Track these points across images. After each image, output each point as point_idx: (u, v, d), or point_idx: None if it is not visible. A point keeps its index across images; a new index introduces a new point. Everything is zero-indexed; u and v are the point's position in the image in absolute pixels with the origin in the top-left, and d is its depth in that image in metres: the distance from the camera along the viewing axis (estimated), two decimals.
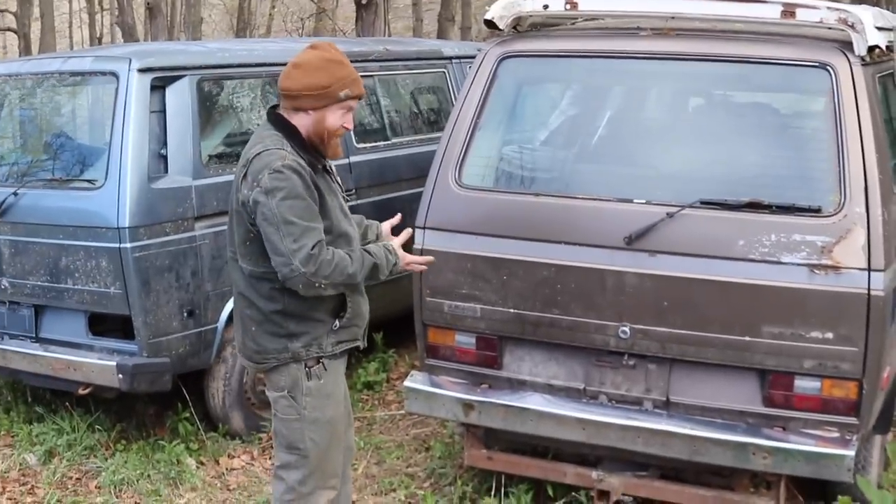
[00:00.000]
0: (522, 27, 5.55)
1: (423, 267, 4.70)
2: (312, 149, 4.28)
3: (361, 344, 4.61)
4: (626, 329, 4.89)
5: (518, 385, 5.22)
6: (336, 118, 4.26)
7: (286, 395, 4.35)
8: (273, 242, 4.10)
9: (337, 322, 4.37)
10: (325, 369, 4.37)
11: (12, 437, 6.95)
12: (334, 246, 4.22)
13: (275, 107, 4.38)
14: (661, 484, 5.11)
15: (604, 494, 5.16)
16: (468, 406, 5.20)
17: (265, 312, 4.30)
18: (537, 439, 5.27)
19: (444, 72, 8.61)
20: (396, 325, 7.74)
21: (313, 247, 4.10)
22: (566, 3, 5.28)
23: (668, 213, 4.80)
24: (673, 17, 5.18)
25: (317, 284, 4.14)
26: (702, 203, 4.80)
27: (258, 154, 4.15)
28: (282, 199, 4.07)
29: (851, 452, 4.56)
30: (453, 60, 8.70)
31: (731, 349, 4.74)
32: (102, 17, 36.16)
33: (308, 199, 4.13)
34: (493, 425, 5.24)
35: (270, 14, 33.49)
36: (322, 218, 4.19)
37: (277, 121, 4.29)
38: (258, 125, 4.43)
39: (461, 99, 5.43)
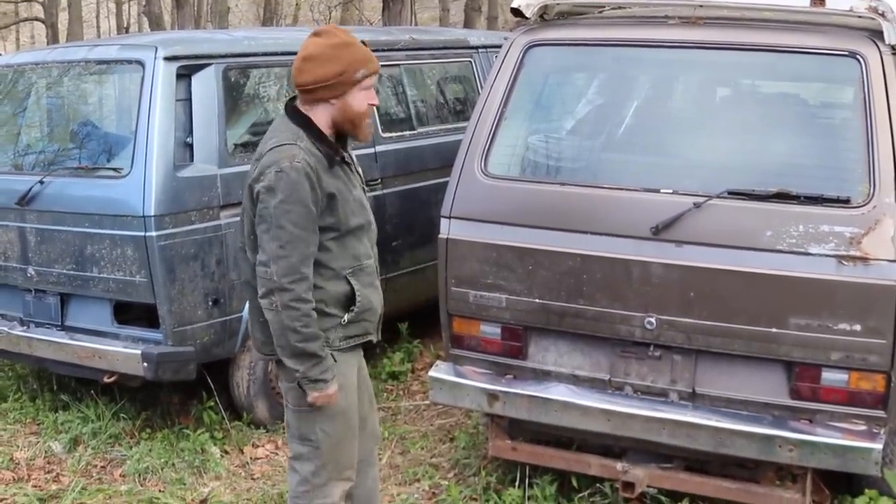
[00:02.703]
0: (549, 16, 5.51)
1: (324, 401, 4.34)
2: (336, 138, 4.25)
3: (374, 338, 4.52)
4: (652, 320, 4.86)
5: (543, 375, 5.20)
6: (360, 100, 4.22)
7: (296, 387, 4.29)
8: (262, 240, 4.09)
9: (346, 316, 4.30)
10: (335, 361, 4.29)
11: (38, 424, 6.98)
12: (344, 242, 4.21)
13: (293, 99, 4.32)
14: (686, 476, 5.08)
15: (629, 486, 5.11)
16: (493, 396, 5.18)
17: None
18: (562, 430, 5.24)
19: (470, 61, 8.59)
20: (422, 315, 7.74)
21: (301, 262, 4.06)
22: None
23: (695, 204, 4.75)
24: (701, 6, 5.13)
25: (273, 300, 4.06)
26: (729, 193, 4.76)
27: (271, 149, 4.11)
28: (281, 200, 4.02)
29: (879, 446, 4.53)
30: (479, 50, 8.68)
31: (758, 341, 4.70)
32: (129, 6, 36.31)
33: (310, 204, 4.06)
34: (517, 416, 5.22)
35: (297, 3, 33.55)
36: (328, 215, 4.14)
37: (294, 114, 4.24)
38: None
39: (487, 88, 5.40)
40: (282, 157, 4.05)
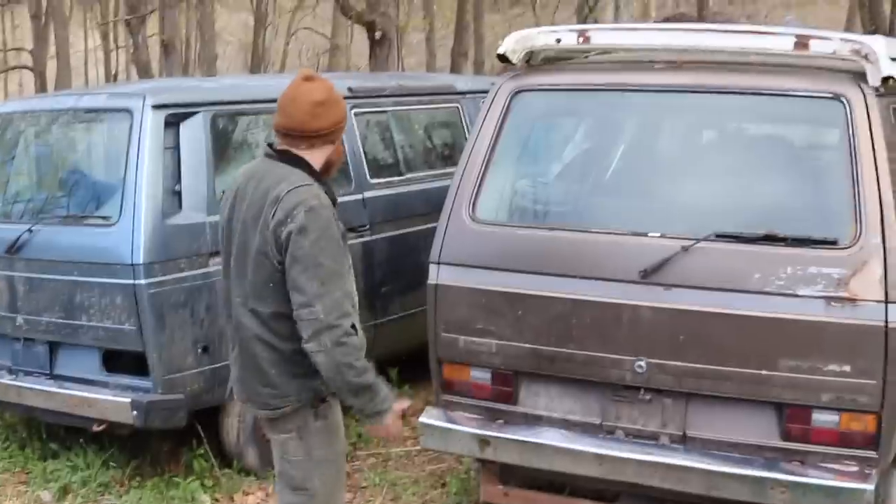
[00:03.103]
0: (535, 61, 5.54)
1: (397, 433, 4.45)
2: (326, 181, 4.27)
3: None
4: (643, 363, 4.86)
5: (534, 420, 5.19)
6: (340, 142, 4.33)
7: (295, 437, 4.28)
8: (298, 282, 3.99)
9: None
10: (331, 406, 4.32)
11: (27, 473, 6.94)
12: (349, 282, 4.20)
13: (270, 145, 4.31)
14: None
15: None
16: (484, 441, 5.17)
17: (286, 353, 4.18)
18: (554, 475, 5.23)
19: (457, 106, 8.62)
20: (411, 360, 7.72)
21: (343, 298, 4.04)
22: (578, 36, 5.28)
23: (682, 247, 4.77)
24: (686, 50, 5.18)
25: (322, 340, 3.99)
26: (717, 236, 4.78)
27: (290, 191, 4.05)
28: (315, 238, 3.99)
29: (871, 486, 4.51)
30: (467, 95, 8.71)
31: (748, 383, 4.69)
32: (117, 54, 36.41)
33: (340, 241, 4.10)
34: (509, 461, 5.20)
35: (285, 50, 33.66)
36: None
37: (290, 158, 4.20)
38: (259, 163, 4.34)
39: (475, 133, 5.42)
40: (307, 197, 4.04)
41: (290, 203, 4.02)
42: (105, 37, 34.95)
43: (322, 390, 4.26)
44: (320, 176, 4.23)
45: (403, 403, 4.33)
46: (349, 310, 4.06)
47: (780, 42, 4.91)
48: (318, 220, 4.01)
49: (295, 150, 4.21)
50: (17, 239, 6.55)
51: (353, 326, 4.07)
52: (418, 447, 6.70)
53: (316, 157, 4.23)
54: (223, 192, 4.59)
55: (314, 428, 4.32)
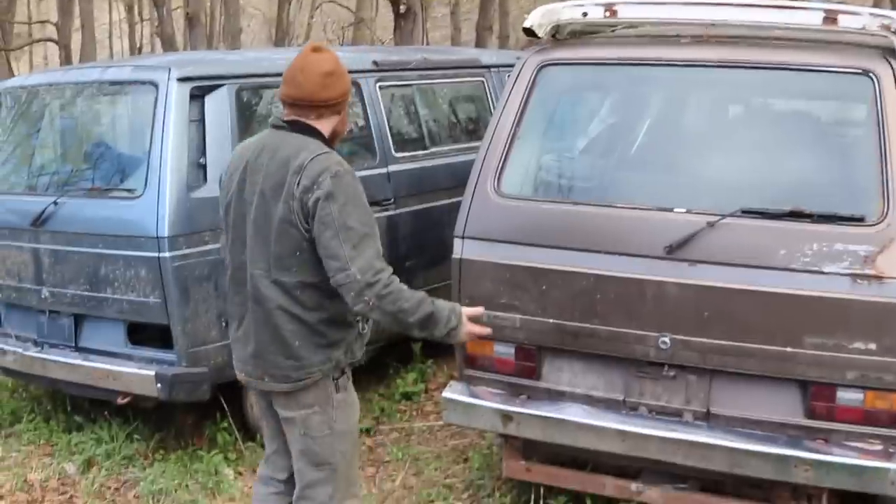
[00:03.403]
0: (561, 35, 5.51)
1: (485, 332, 4.50)
2: None
3: None
4: (667, 339, 4.84)
5: (557, 396, 5.18)
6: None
7: (318, 411, 4.30)
8: (331, 248, 4.02)
9: (364, 325, 4.39)
10: (349, 378, 4.37)
11: (52, 446, 6.98)
12: None
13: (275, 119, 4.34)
14: (701, 497, 5.05)
15: None
16: (507, 417, 5.16)
17: (310, 324, 4.20)
18: (576, 451, 5.23)
19: (482, 80, 8.60)
20: None
21: (375, 257, 4.07)
22: (605, 10, 5.24)
23: (708, 223, 4.74)
24: (713, 25, 5.14)
25: (366, 299, 4.03)
26: (743, 212, 4.75)
27: (313, 158, 4.08)
28: (343, 203, 4.02)
29: (895, 465, 4.50)
30: (492, 69, 8.69)
31: (773, 360, 4.67)
32: (142, 27, 36.42)
33: (366, 203, 4.13)
34: (531, 436, 5.20)
35: (309, 23, 33.60)
36: None
37: (304, 128, 4.23)
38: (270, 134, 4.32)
39: (500, 107, 5.40)
40: (330, 164, 4.07)
41: (314, 170, 4.05)
42: (130, 10, 34.95)
43: (342, 361, 4.30)
44: (331, 145, 4.27)
45: (473, 310, 4.45)
46: (383, 265, 4.10)
47: (808, 17, 4.87)
48: (343, 185, 4.05)
49: (305, 120, 4.24)
50: (43, 211, 6.58)
51: (391, 275, 4.12)
52: (440, 422, 6.72)
53: (325, 127, 4.26)
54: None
55: (336, 400, 4.34)
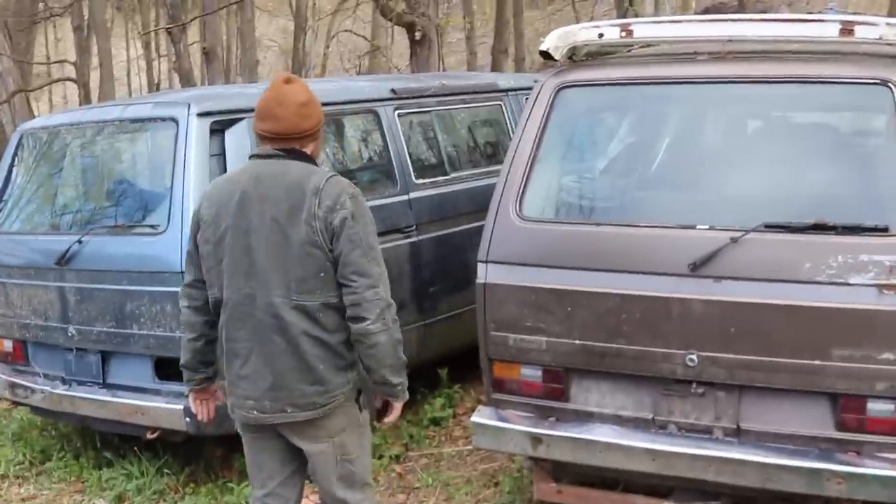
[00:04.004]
0: (578, 57, 5.52)
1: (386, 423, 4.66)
2: None
3: None
4: (694, 357, 4.83)
5: (586, 417, 5.17)
6: None
7: (349, 433, 4.34)
8: (361, 265, 4.11)
9: None
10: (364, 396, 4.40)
11: (82, 482, 7.01)
12: None
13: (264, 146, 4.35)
14: None
15: None
16: (536, 440, 5.16)
17: (332, 346, 4.22)
18: (607, 471, 5.21)
19: (500, 104, 8.61)
20: (461, 360, 7.72)
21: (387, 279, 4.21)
22: (621, 30, 5.25)
23: (731, 238, 4.73)
24: (729, 41, 5.14)
25: (385, 319, 4.14)
26: (766, 227, 4.74)
27: (327, 180, 4.15)
28: (365, 223, 4.15)
29: None
30: (509, 93, 8.70)
31: (801, 374, 4.65)
32: (159, 63, 36.57)
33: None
34: (561, 458, 5.19)
35: (325, 53, 33.70)
36: None
37: (300, 155, 4.28)
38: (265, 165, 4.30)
39: (519, 131, 5.41)
40: (345, 185, 4.18)
41: (333, 191, 4.12)
42: (147, 46, 35.09)
43: (358, 381, 4.35)
44: None
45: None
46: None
47: (824, 29, 4.87)
48: (361, 206, 4.16)
49: (298, 147, 4.29)
50: (67, 250, 6.61)
51: None
52: (470, 447, 6.72)
53: (313, 154, 4.36)
54: (201, 204, 4.43)
55: (362, 419, 4.41)
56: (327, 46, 33.39)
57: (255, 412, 4.31)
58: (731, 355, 4.76)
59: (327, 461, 4.37)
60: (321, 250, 4.12)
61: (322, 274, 4.15)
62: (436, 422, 7.52)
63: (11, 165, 7.40)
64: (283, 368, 4.22)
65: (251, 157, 4.37)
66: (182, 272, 5.93)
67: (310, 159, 4.30)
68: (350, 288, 4.12)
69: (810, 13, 5.65)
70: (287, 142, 4.24)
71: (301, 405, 4.26)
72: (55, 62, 31.92)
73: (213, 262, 4.30)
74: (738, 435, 4.85)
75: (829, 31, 4.85)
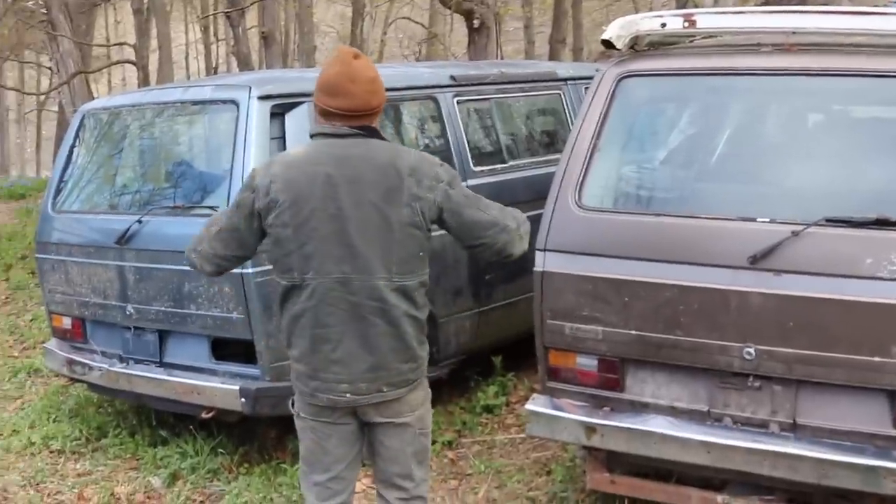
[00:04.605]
0: (640, 46, 5.50)
1: None
2: None
3: None
4: (751, 350, 4.81)
5: (641, 407, 5.16)
6: None
7: (426, 407, 4.41)
8: (479, 219, 4.21)
9: None
10: None
11: (137, 459, 7.07)
12: None
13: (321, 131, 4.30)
14: None
15: None
16: (591, 429, 5.16)
17: (421, 322, 4.27)
18: (661, 462, 5.20)
19: (559, 93, 8.58)
20: (515, 348, 7.72)
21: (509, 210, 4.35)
22: (684, 21, 5.22)
23: (792, 232, 4.70)
24: (794, 33, 5.10)
25: (521, 234, 4.33)
26: (827, 221, 4.69)
27: (417, 157, 4.22)
28: (459, 183, 4.26)
29: None
30: (568, 82, 8.67)
31: (859, 370, 4.62)
32: (218, 46, 36.79)
33: None
34: (616, 448, 5.19)
35: (382, 40, 33.75)
36: None
37: (376, 133, 4.25)
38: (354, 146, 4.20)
39: (580, 119, 5.40)
40: (431, 158, 4.28)
41: (426, 166, 4.18)
42: (205, 30, 35.29)
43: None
44: None
45: None
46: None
47: (889, 22, 4.83)
48: (450, 170, 4.27)
49: (371, 125, 4.24)
50: (127, 230, 6.69)
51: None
52: (522, 435, 6.72)
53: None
54: (270, 183, 4.19)
55: (428, 393, 4.48)
56: (384, 33, 33.48)
57: (348, 395, 4.25)
58: (788, 349, 4.73)
59: (407, 436, 4.38)
60: (420, 230, 4.14)
61: (421, 253, 4.19)
62: (489, 409, 7.53)
63: (73, 145, 7.48)
64: (384, 349, 4.21)
65: (320, 135, 4.25)
66: None
67: (381, 137, 4.26)
68: (485, 244, 4.25)
69: (875, 6, 5.58)
70: (358, 119, 4.17)
71: (396, 383, 4.26)
72: (115, 45, 32.22)
73: (293, 246, 4.17)
74: (795, 430, 4.82)
75: (893, 24, 4.81)
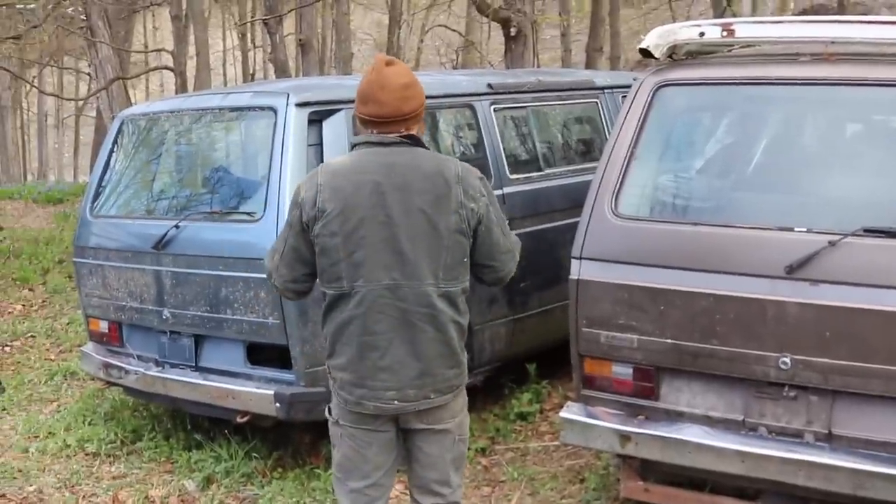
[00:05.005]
0: (678, 55, 5.49)
1: None
2: None
3: None
4: (787, 360, 4.79)
5: (676, 416, 5.15)
6: None
7: (465, 413, 4.42)
8: (500, 243, 4.30)
9: None
10: None
11: (172, 463, 7.10)
12: None
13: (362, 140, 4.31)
14: None
15: None
16: (625, 437, 5.15)
17: (464, 328, 4.29)
18: (695, 472, 5.19)
19: (596, 102, 8.57)
20: (549, 356, 7.72)
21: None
22: (722, 30, 5.22)
23: (829, 242, 4.69)
24: (832, 42, 5.08)
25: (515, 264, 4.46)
26: (865, 231, 4.68)
27: (463, 166, 4.25)
28: (494, 201, 4.30)
29: None
30: (605, 90, 8.66)
31: None
32: (255, 53, 36.94)
33: None
34: (650, 457, 5.18)
35: (419, 47, 33.82)
36: None
37: (418, 141, 4.25)
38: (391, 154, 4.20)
39: (617, 128, 5.40)
40: (474, 169, 4.29)
41: (471, 177, 4.22)
42: (243, 37, 35.47)
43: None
44: None
45: None
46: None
47: None
48: (488, 186, 4.32)
49: (411, 133, 4.24)
50: (164, 235, 6.72)
51: None
52: (556, 442, 6.72)
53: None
54: (316, 194, 4.18)
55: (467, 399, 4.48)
56: (421, 40, 33.55)
57: (396, 402, 4.23)
58: (825, 360, 4.72)
59: (446, 442, 4.39)
60: (465, 237, 4.18)
61: (465, 259, 4.22)
62: (522, 416, 7.52)
63: (111, 151, 7.53)
64: (431, 355, 4.21)
65: (363, 144, 4.25)
66: None
67: (423, 145, 4.27)
68: (494, 267, 4.34)
69: None
70: (391, 125, 4.18)
71: (442, 389, 4.27)
72: (153, 51, 32.42)
73: (341, 254, 4.16)
74: (830, 440, 4.80)
75: None
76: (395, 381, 4.20)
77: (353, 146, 4.32)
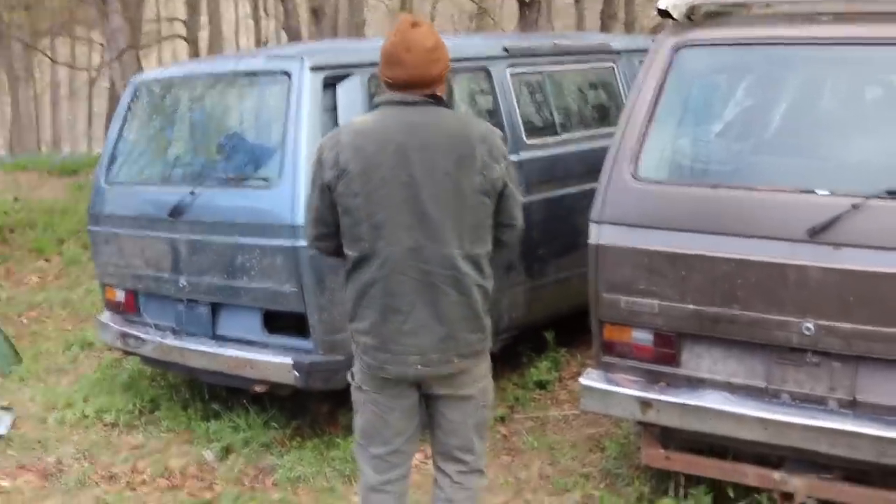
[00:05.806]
0: (696, 16, 5.41)
1: None
2: None
3: None
4: (810, 325, 4.73)
5: (697, 383, 5.10)
6: None
7: (489, 378, 4.38)
8: (519, 201, 4.28)
9: None
10: None
11: (190, 433, 7.09)
12: None
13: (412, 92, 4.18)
14: (846, 486, 4.91)
15: (787, 496, 5.00)
16: (646, 404, 5.10)
17: (488, 291, 4.23)
18: (716, 439, 5.14)
19: (612, 66, 8.50)
20: (567, 323, 7.67)
21: None
22: None
23: (853, 205, 4.61)
24: (852, 0, 5.00)
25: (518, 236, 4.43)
26: (888, 193, 4.60)
27: (487, 127, 4.22)
28: (512, 166, 4.27)
29: None
30: (622, 54, 8.58)
31: None
32: (267, 22, 36.86)
33: None
34: (671, 424, 5.13)
35: (432, 14, 33.71)
36: None
37: (441, 101, 4.19)
38: (415, 113, 4.13)
39: (636, 90, 5.32)
40: (498, 131, 4.24)
41: (494, 137, 4.17)
42: (255, 5, 35.40)
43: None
44: None
45: None
46: None
47: None
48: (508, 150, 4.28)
49: (436, 93, 4.17)
50: (179, 202, 6.67)
51: None
52: (575, 410, 6.69)
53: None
54: (337, 154, 4.10)
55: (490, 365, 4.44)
56: (434, 7, 33.42)
57: (418, 366, 4.19)
58: (848, 325, 4.65)
59: (469, 408, 4.35)
60: (490, 198, 4.11)
61: (489, 221, 4.16)
62: (541, 385, 7.49)
63: (125, 117, 7.46)
64: (455, 319, 4.15)
65: (387, 103, 4.18)
66: (292, 225, 5.98)
67: (448, 104, 4.22)
68: (514, 226, 4.31)
69: None
70: (416, 89, 4.10)
71: (465, 353, 4.21)
72: (165, 20, 32.39)
73: (362, 215, 4.09)
74: (854, 407, 4.75)
75: None
76: (417, 345, 4.14)
77: (376, 105, 4.25)
